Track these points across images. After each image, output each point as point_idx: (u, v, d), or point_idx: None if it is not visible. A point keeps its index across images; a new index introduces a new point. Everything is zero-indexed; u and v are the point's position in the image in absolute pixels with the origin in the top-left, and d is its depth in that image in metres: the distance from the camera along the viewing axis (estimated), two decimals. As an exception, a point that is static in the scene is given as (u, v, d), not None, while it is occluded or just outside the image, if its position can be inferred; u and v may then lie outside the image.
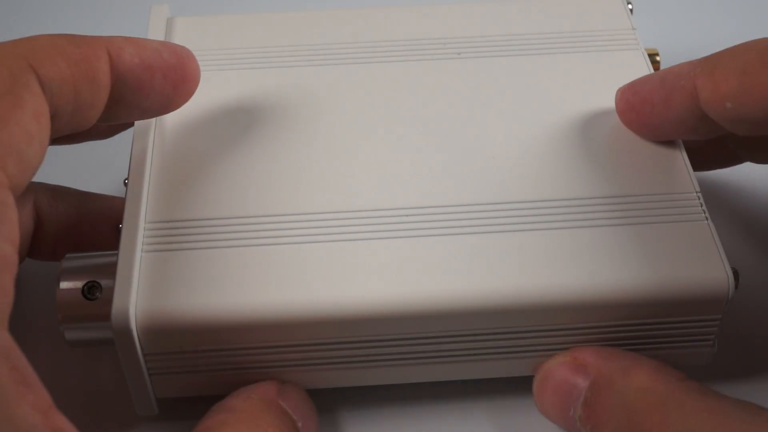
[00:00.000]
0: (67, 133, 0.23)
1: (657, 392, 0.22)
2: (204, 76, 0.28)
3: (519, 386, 0.27)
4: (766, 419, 0.21)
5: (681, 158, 0.27)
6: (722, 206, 0.33)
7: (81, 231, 0.29)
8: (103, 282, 0.25)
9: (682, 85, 0.25)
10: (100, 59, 0.22)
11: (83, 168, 0.30)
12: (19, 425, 0.17)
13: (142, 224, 0.25)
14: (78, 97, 0.22)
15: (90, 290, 0.25)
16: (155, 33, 0.31)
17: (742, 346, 0.29)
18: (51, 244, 0.29)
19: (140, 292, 0.24)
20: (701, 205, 0.26)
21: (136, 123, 0.28)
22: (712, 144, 0.29)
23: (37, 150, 0.21)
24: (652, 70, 0.30)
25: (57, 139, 0.27)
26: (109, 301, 0.24)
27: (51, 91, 0.21)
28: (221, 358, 0.25)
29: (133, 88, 0.23)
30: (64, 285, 0.25)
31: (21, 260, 0.28)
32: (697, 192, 0.26)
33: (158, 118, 0.28)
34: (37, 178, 0.27)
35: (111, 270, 0.24)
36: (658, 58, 0.31)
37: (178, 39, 0.31)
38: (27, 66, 0.21)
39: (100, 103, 0.23)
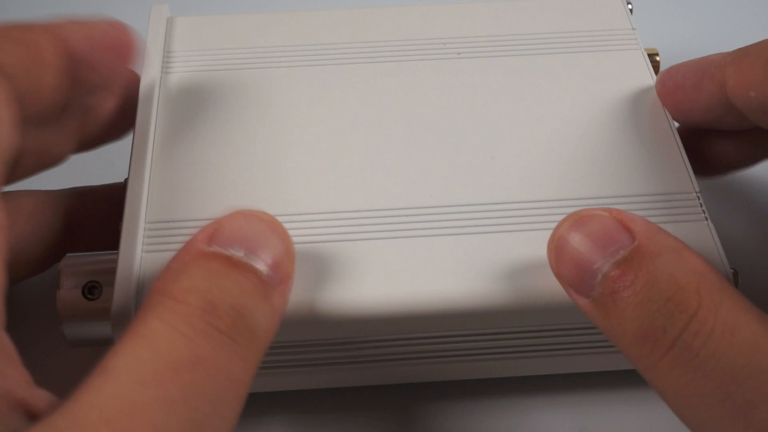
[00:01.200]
0: (31, 115, 0.23)
1: (710, 280, 0.21)
2: (204, 75, 0.28)
3: (519, 386, 0.27)
4: None
5: (681, 158, 0.27)
6: (722, 206, 0.33)
7: (111, 221, 0.29)
8: (103, 282, 0.25)
9: (712, 72, 0.26)
10: (47, 41, 0.23)
11: (83, 168, 0.30)
12: None
13: (142, 224, 0.25)
14: (31, 79, 0.23)
15: (90, 290, 0.25)
16: (155, 32, 0.31)
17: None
18: (91, 238, 0.29)
19: (140, 292, 0.24)
20: (701, 205, 0.26)
21: (137, 123, 0.28)
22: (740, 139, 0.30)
23: (7, 134, 0.21)
24: (652, 70, 0.30)
25: (78, 147, 0.27)
26: (109, 300, 0.24)
27: (9, 75, 0.22)
28: (221, 358, 0.25)
29: (83, 65, 0.24)
30: (65, 285, 0.25)
31: (49, 266, 0.29)
32: (697, 192, 0.26)
33: (158, 118, 0.28)
34: (39, 182, 0.28)
35: (111, 270, 0.24)
36: (658, 58, 0.31)
37: (178, 39, 0.31)
38: None
39: (53, 84, 0.23)
